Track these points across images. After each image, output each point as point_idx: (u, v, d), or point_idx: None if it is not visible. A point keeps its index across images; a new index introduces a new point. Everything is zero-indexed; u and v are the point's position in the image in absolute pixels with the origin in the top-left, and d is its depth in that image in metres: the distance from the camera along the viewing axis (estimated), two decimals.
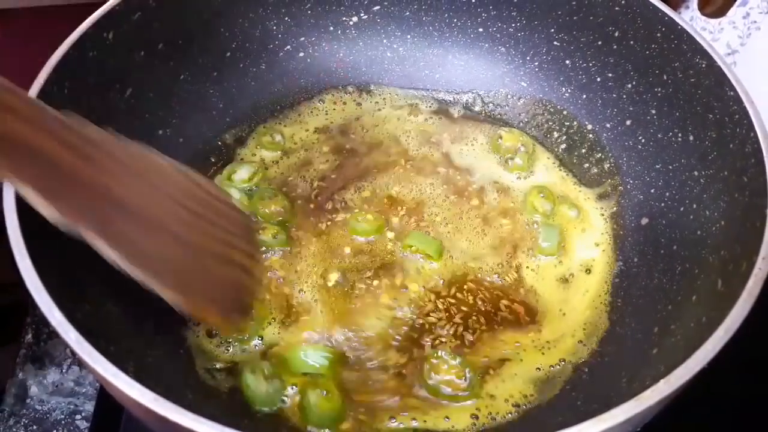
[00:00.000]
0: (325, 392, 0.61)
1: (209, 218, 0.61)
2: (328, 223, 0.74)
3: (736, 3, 0.89)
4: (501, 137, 0.81)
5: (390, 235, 0.73)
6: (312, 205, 0.76)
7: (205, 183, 0.65)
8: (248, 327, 0.65)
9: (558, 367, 0.65)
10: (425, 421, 0.61)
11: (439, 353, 0.64)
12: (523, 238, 0.74)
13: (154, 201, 0.56)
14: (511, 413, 0.62)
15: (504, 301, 0.69)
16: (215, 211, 0.63)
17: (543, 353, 0.66)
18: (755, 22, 0.88)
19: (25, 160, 0.46)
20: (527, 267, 0.72)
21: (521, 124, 0.84)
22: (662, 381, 0.45)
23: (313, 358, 0.63)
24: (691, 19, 0.96)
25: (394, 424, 0.61)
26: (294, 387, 0.62)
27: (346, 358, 0.65)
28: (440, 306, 0.69)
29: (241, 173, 0.77)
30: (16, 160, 0.45)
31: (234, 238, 0.64)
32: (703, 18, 0.94)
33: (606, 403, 0.45)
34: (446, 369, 0.63)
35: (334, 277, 0.70)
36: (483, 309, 0.69)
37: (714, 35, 0.93)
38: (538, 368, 0.65)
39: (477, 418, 0.62)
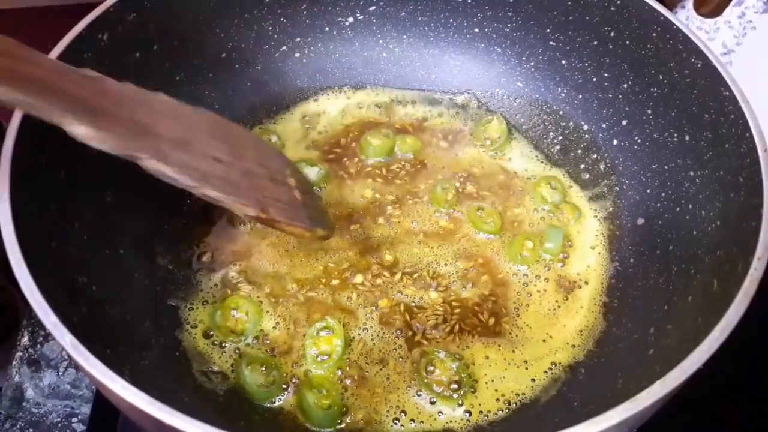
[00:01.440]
0: (324, 391, 0.62)
1: (249, 151, 0.66)
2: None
3: (732, 3, 0.89)
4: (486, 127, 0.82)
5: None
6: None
7: (235, 126, 0.69)
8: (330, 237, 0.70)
9: (554, 368, 0.65)
10: (421, 421, 0.62)
11: (435, 353, 0.64)
12: (527, 239, 0.73)
13: (190, 135, 0.60)
14: (502, 410, 0.62)
15: (500, 304, 0.69)
16: (250, 143, 0.68)
17: (538, 354, 0.66)
18: (751, 21, 0.88)
19: (76, 106, 0.51)
20: (527, 268, 0.72)
21: (517, 124, 0.84)
22: (657, 382, 0.45)
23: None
24: (686, 19, 0.96)
25: (389, 422, 0.61)
26: (293, 382, 0.63)
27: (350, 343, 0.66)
28: (437, 306, 0.69)
29: None
30: (70, 108, 0.50)
31: (278, 168, 0.68)
32: (699, 18, 0.94)
33: (602, 404, 0.45)
34: (442, 369, 0.64)
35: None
36: (478, 309, 0.69)
37: (710, 35, 0.93)
38: (531, 367, 0.65)
39: (470, 414, 0.62)
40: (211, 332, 0.66)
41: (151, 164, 0.54)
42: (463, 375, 0.63)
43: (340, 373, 0.64)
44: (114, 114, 0.54)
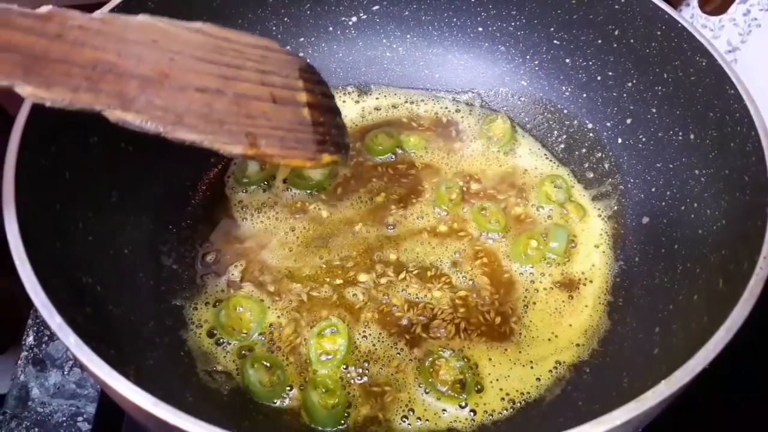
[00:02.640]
0: (328, 390, 0.62)
1: (246, 66, 0.59)
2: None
3: (737, 0, 0.89)
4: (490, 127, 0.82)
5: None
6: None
7: (233, 34, 0.61)
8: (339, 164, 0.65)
9: (559, 367, 0.65)
10: (426, 419, 0.62)
11: (440, 352, 0.64)
12: (531, 238, 0.73)
13: (170, 65, 0.53)
14: (507, 410, 0.62)
15: (505, 303, 0.69)
16: (252, 57, 0.60)
17: (543, 353, 0.66)
18: (756, 19, 0.88)
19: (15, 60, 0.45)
20: (532, 267, 0.72)
21: (521, 123, 0.84)
22: (662, 382, 0.45)
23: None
24: (691, 16, 0.95)
25: (398, 419, 0.62)
26: (297, 381, 0.63)
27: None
28: (442, 305, 0.68)
29: (253, 166, 0.78)
30: (17, 64, 0.45)
31: (286, 81, 0.62)
32: (704, 15, 0.94)
33: (608, 404, 0.45)
34: (446, 368, 0.64)
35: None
36: (483, 309, 0.69)
37: (715, 33, 0.93)
38: (536, 367, 0.65)
39: (474, 413, 0.62)
40: (216, 332, 0.66)
41: (112, 115, 0.49)
42: (467, 374, 0.63)
43: (344, 371, 0.64)
44: (70, 60, 0.48)
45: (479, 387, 0.63)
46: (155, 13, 0.68)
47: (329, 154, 0.62)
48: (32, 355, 0.69)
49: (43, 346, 0.69)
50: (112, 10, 0.65)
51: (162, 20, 0.55)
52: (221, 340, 0.65)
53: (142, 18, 0.54)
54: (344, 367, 0.64)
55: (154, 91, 0.51)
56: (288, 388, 0.63)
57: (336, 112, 0.67)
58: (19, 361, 0.68)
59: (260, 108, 0.58)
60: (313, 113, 0.62)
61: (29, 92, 0.45)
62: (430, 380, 0.63)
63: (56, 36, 0.47)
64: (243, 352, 0.65)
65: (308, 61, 0.83)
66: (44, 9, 0.48)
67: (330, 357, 0.64)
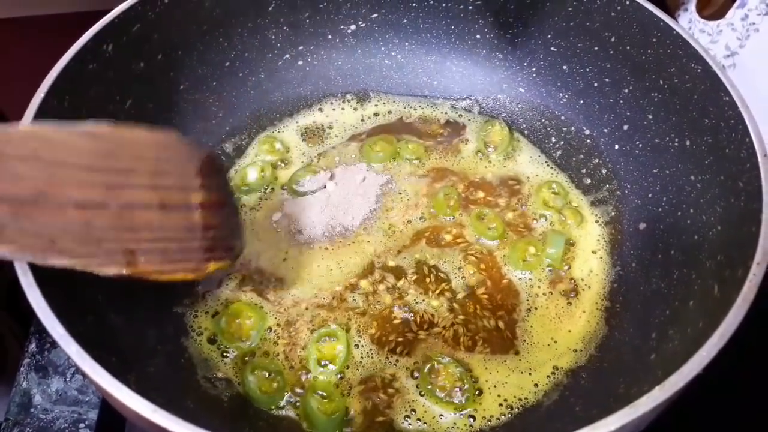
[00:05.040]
0: (327, 396, 0.62)
1: (138, 169, 0.54)
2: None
3: (735, 5, 0.90)
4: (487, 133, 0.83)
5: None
6: None
7: (128, 133, 0.55)
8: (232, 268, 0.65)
9: (556, 372, 0.65)
10: (425, 422, 0.62)
11: (439, 358, 0.65)
12: (529, 244, 0.74)
13: (50, 181, 0.48)
14: (505, 415, 0.62)
15: (504, 309, 0.70)
16: (146, 158, 0.55)
17: (541, 359, 0.66)
18: (754, 23, 0.88)
19: None
20: (530, 273, 0.72)
21: (519, 129, 0.84)
22: (657, 388, 0.45)
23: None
24: (689, 21, 0.96)
25: (395, 421, 0.62)
26: (297, 388, 0.64)
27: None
28: (441, 311, 0.69)
29: (252, 173, 0.79)
30: None
31: (180, 182, 0.57)
32: (702, 20, 0.94)
33: (604, 409, 0.45)
34: (445, 374, 0.64)
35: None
36: (481, 315, 0.69)
37: (713, 37, 0.94)
38: (534, 372, 0.65)
39: (474, 419, 0.62)
40: (216, 338, 0.66)
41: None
42: (465, 380, 0.64)
43: (343, 377, 0.64)
44: None
45: (478, 392, 0.64)
46: (157, 21, 0.69)
47: (215, 261, 0.59)
48: (34, 361, 0.69)
49: (46, 352, 0.70)
50: (113, 21, 0.66)
51: (47, 127, 0.51)
52: (221, 347, 0.66)
53: (24, 128, 0.51)
54: (343, 373, 0.65)
55: (27, 215, 0.47)
56: (287, 395, 0.63)
57: (232, 207, 0.64)
58: (22, 368, 0.69)
59: (145, 218, 0.53)
60: (206, 215, 0.57)
61: None
62: (428, 386, 0.64)
63: None
64: (243, 358, 0.65)
65: (307, 69, 0.85)
66: None
67: (329, 363, 0.65)
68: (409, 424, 0.62)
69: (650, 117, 0.73)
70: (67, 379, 0.69)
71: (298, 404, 0.63)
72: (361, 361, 0.66)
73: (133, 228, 0.52)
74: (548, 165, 0.81)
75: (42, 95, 0.59)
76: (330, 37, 0.85)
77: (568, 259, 0.73)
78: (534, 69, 0.83)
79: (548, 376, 0.65)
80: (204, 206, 0.57)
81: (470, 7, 0.82)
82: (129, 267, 0.52)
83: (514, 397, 0.64)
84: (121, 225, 0.52)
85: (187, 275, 0.57)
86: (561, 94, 0.82)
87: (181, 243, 0.56)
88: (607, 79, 0.77)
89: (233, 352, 0.66)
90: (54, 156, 0.49)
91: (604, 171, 0.78)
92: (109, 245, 0.51)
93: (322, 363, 0.65)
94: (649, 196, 0.73)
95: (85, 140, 0.52)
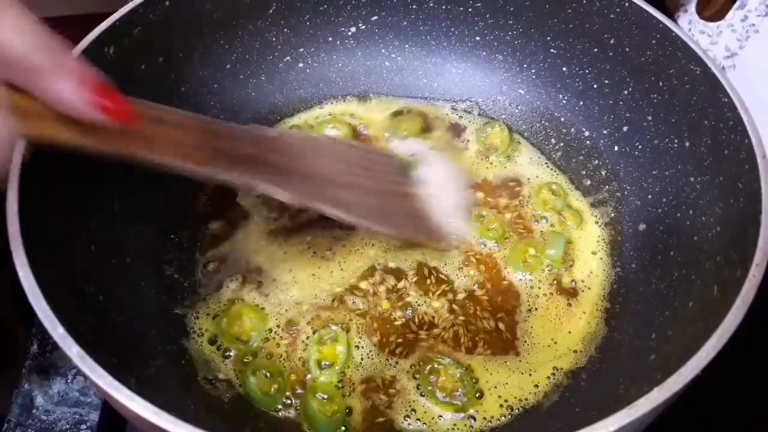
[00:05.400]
0: (327, 397, 0.62)
1: (376, 169, 0.73)
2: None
3: (735, 6, 0.90)
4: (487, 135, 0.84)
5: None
6: None
7: (357, 144, 0.80)
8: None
9: (556, 373, 0.65)
10: (425, 422, 0.62)
11: (439, 359, 0.65)
12: (529, 245, 0.74)
13: (336, 168, 0.68)
14: (505, 416, 0.63)
15: (504, 310, 0.70)
16: (377, 162, 0.74)
17: (542, 360, 0.67)
18: (753, 25, 0.88)
19: (253, 167, 0.61)
20: (530, 274, 0.72)
21: (519, 130, 0.84)
22: (655, 389, 0.45)
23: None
24: (689, 22, 0.96)
25: (395, 425, 0.62)
26: (297, 389, 0.64)
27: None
28: (441, 312, 0.69)
29: None
30: (247, 169, 0.60)
31: (400, 177, 0.75)
32: (702, 21, 0.94)
33: (604, 410, 0.45)
34: (445, 375, 0.64)
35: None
36: (482, 316, 0.69)
37: (713, 38, 0.94)
38: (535, 373, 0.65)
39: (474, 420, 0.62)
40: (217, 339, 0.67)
41: (315, 206, 0.64)
42: (466, 382, 0.64)
43: (344, 378, 0.65)
44: (290, 170, 0.64)
45: (479, 393, 0.64)
46: (158, 24, 0.70)
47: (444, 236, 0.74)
48: (36, 363, 0.70)
49: (47, 354, 0.70)
50: (114, 24, 0.66)
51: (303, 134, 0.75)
52: (221, 348, 0.66)
53: (288, 133, 0.74)
54: (343, 374, 0.65)
55: (342, 190, 0.67)
56: (288, 395, 0.64)
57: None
58: (23, 370, 0.69)
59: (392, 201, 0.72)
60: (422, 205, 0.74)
61: (286, 197, 0.62)
62: (429, 387, 0.64)
63: (279, 151, 0.65)
64: (244, 359, 0.66)
65: (308, 71, 0.85)
66: (260, 130, 0.67)
67: (329, 364, 0.65)
68: (409, 424, 0.62)
69: (650, 118, 0.73)
70: (69, 381, 0.69)
71: (298, 406, 0.63)
72: (361, 362, 0.66)
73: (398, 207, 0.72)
74: (548, 166, 0.82)
75: None
76: (330, 39, 0.85)
77: (568, 260, 0.73)
78: (534, 71, 0.83)
79: (548, 377, 0.65)
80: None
81: (470, 10, 0.82)
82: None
83: (515, 397, 0.64)
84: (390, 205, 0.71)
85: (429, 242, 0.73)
86: (561, 96, 0.82)
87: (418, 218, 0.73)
88: (606, 81, 0.77)
89: (234, 352, 0.66)
90: (325, 151, 0.70)
91: (603, 172, 0.78)
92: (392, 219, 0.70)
93: (323, 364, 0.65)
94: (649, 197, 0.73)
95: (337, 143, 0.76)
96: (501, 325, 0.69)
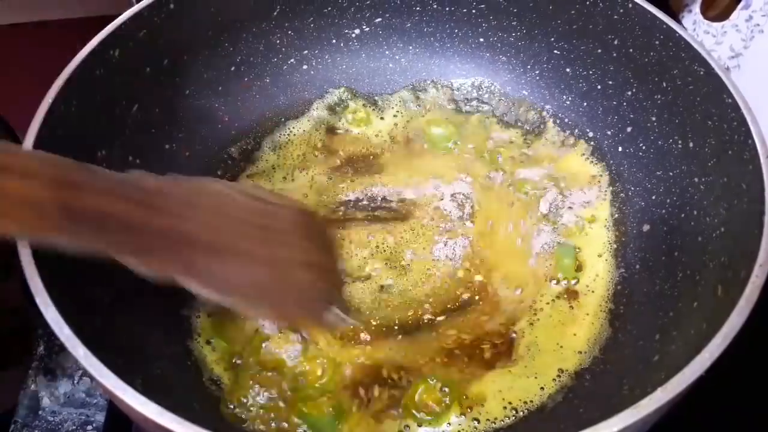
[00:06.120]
0: (321, 402, 0.62)
1: (275, 227, 0.64)
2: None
3: (739, 6, 0.90)
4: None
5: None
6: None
7: (263, 193, 0.68)
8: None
9: (561, 374, 0.65)
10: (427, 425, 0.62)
11: (428, 380, 0.64)
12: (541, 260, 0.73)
13: (223, 229, 0.58)
14: (509, 418, 0.62)
15: (508, 323, 0.70)
16: (279, 218, 0.65)
17: (547, 362, 0.66)
18: (758, 25, 0.88)
19: (113, 230, 0.50)
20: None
21: (523, 131, 0.84)
22: (659, 389, 0.45)
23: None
24: (694, 23, 0.96)
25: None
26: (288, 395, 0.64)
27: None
28: (448, 323, 0.69)
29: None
30: (105, 234, 0.50)
31: (304, 239, 0.66)
32: (707, 22, 0.94)
33: (608, 411, 0.45)
34: (431, 395, 0.63)
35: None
36: (487, 329, 0.69)
37: (717, 39, 0.94)
38: (540, 376, 0.65)
39: (478, 422, 0.62)
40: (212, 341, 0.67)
41: (180, 280, 0.54)
42: (448, 398, 0.63)
43: (339, 387, 0.64)
44: (158, 232, 0.53)
45: (482, 401, 0.63)
46: (163, 27, 0.70)
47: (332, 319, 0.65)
48: (43, 364, 0.70)
49: (54, 355, 0.70)
50: (119, 27, 0.66)
51: (224, 186, 0.62)
52: (216, 350, 0.66)
53: (208, 182, 0.62)
54: (335, 380, 0.64)
55: (217, 259, 0.56)
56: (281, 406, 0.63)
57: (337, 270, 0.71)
58: (30, 371, 0.70)
59: (296, 275, 0.63)
60: (325, 276, 0.67)
61: (131, 263, 0.51)
62: (416, 399, 0.63)
63: (143, 204, 0.52)
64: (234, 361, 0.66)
65: (312, 73, 0.85)
66: (132, 175, 0.53)
67: (322, 373, 0.65)
68: (412, 423, 0.62)
69: (653, 119, 0.73)
70: (75, 382, 0.69)
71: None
72: (355, 375, 0.65)
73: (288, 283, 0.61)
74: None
75: (50, 101, 0.59)
76: (334, 41, 0.85)
77: (578, 267, 0.73)
78: (537, 72, 0.83)
79: (554, 379, 0.65)
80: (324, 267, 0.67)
81: (474, 11, 0.83)
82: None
83: (519, 400, 0.64)
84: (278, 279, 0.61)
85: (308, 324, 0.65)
86: (564, 97, 0.82)
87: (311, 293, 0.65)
88: (610, 82, 0.77)
89: (228, 355, 0.66)
90: (220, 206, 0.59)
91: (607, 173, 0.78)
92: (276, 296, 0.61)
93: (318, 376, 0.65)
94: (653, 198, 0.73)
95: (240, 195, 0.63)
96: (506, 335, 0.68)
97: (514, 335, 0.68)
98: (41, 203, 0.45)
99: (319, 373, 0.64)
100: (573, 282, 0.72)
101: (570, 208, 0.77)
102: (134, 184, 0.53)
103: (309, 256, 0.65)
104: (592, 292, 0.71)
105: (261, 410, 0.62)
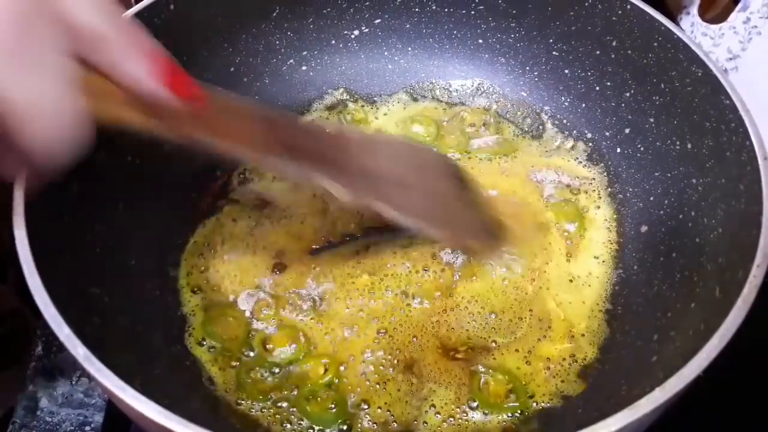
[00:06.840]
0: (320, 400, 0.62)
1: (429, 168, 0.71)
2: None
3: (737, 8, 0.90)
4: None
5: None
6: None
7: (409, 142, 0.79)
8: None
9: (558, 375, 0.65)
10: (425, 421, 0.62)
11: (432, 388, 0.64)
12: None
13: (390, 168, 0.66)
14: (510, 416, 0.62)
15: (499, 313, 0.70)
16: (429, 160, 0.73)
17: (540, 362, 0.66)
18: (756, 27, 0.88)
19: (322, 162, 0.60)
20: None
21: (521, 132, 0.85)
22: (656, 389, 0.46)
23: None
24: (691, 24, 0.96)
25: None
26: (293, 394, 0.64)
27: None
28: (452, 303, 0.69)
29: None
30: (311, 165, 0.60)
31: (451, 179, 0.72)
32: (704, 24, 0.94)
33: (606, 411, 0.45)
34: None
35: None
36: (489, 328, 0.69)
37: (715, 41, 0.94)
38: (535, 377, 0.65)
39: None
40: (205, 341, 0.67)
41: (375, 207, 0.62)
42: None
43: (343, 381, 0.64)
44: (350, 167, 0.62)
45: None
46: (162, 28, 0.70)
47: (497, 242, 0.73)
48: (41, 365, 0.70)
49: (52, 356, 0.70)
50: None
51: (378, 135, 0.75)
52: (213, 350, 0.66)
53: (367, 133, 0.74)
54: (338, 380, 0.64)
55: (402, 190, 0.65)
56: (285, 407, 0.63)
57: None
58: (29, 372, 0.70)
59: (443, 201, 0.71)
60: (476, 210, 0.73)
61: (341, 194, 0.60)
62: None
63: (337, 147, 0.62)
64: (232, 362, 0.65)
65: (311, 74, 0.85)
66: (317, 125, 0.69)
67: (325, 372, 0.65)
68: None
69: (651, 120, 0.73)
70: (73, 383, 0.69)
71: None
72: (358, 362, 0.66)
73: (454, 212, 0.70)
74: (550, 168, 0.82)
75: None
76: (334, 42, 0.85)
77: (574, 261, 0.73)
78: (536, 73, 0.84)
79: None
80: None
81: (473, 12, 0.83)
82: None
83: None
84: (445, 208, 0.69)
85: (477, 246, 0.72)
86: (563, 98, 0.83)
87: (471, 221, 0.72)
88: (608, 83, 0.78)
89: (225, 354, 0.66)
90: (394, 156, 0.68)
91: (606, 174, 0.78)
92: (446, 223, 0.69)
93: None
94: (651, 199, 0.73)
95: (396, 142, 0.76)
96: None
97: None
98: (262, 134, 0.56)
99: (321, 372, 0.64)
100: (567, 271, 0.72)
101: None
102: (321, 129, 0.66)
103: (459, 191, 0.72)
104: (590, 287, 0.71)
105: (261, 409, 0.62)
